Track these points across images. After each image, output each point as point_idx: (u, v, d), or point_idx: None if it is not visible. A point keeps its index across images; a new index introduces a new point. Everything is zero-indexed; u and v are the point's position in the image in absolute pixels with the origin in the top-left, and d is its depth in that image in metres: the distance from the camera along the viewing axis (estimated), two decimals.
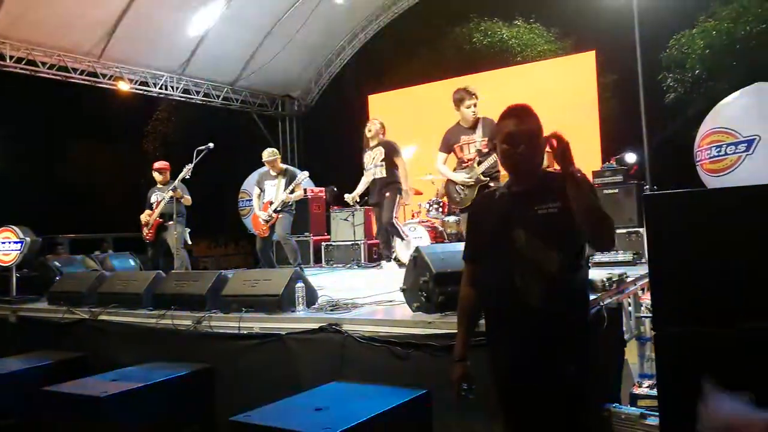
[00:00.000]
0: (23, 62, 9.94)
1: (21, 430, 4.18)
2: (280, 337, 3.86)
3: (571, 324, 2.31)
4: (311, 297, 4.29)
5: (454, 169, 5.57)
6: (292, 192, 6.91)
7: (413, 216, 9.04)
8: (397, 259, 6.93)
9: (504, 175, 4.76)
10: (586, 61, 11.19)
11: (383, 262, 6.80)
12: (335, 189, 11.21)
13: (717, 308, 2.42)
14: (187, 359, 4.21)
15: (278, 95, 14.45)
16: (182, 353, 4.29)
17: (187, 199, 7.24)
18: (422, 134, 11.35)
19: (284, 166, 7.32)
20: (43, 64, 10.15)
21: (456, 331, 2.62)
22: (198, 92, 12.63)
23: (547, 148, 2.37)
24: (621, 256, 6.28)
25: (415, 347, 3.33)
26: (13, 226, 6.49)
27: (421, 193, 8.98)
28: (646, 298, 4.56)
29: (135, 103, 16.35)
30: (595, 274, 3.87)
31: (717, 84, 12.06)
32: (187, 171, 6.74)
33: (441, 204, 8.54)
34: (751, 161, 8.12)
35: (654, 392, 3.39)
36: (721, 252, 2.41)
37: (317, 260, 9.92)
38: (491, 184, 5.27)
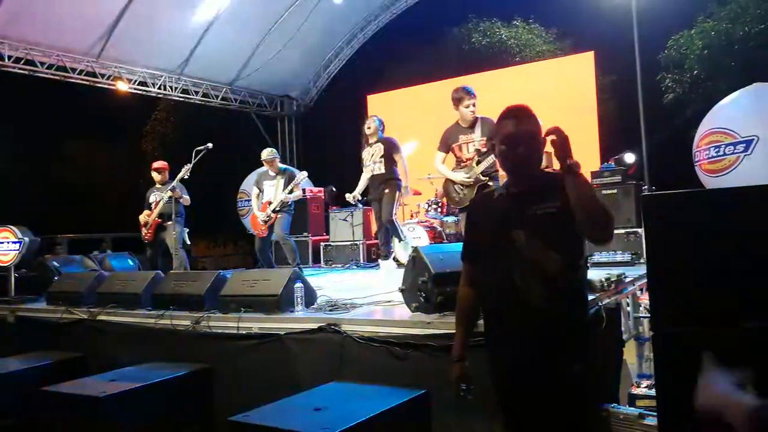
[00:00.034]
0: (22, 62, 9.93)
1: (19, 431, 4.18)
2: (279, 337, 3.87)
3: (570, 324, 2.31)
4: (310, 297, 4.30)
5: (453, 169, 5.57)
6: (290, 192, 6.91)
7: (412, 216, 9.05)
8: (395, 259, 6.93)
9: (503, 174, 4.77)
10: (585, 62, 11.21)
11: (381, 261, 6.78)
12: (334, 189, 11.22)
13: (715, 308, 2.42)
14: (185, 359, 4.21)
15: (277, 95, 14.45)
16: (181, 353, 4.29)
17: (186, 199, 7.24)
18: (421, 134, 11.38)
19: (283, 166, 7.31)
20: (42, 63, 10.14)
21: (454, 331, 2.62)
22: (197, 92, 12.63)
23: (546, 149, 2.39)
24: (619, 257, 6.29)
25: (414, 347, 3.34)
26: (11, 226, 6.49)
27: (420, 194, 8.99)
28: (645, 299, 4.56)
29: (134, 103, 16.30)
30: (594, 275, 3.87)
31: (715, 84, 12.06)
32: (185, 171, 6.74)
33: (440, 204, 8.54)
34: (750, 161, 8.14)
35: (652, 392, 3.40)
36: (720, 252, 2.41)
37: (316, 260, 9.92)
38: (490, 184, 5.27)
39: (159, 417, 3.76)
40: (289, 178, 6.99)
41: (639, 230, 6.56)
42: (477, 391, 2.49)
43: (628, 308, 4.40)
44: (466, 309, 2.55)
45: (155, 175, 7.57)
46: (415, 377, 3.22)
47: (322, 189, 10.94)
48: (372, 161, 6.48)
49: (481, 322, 2.57)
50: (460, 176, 5.43)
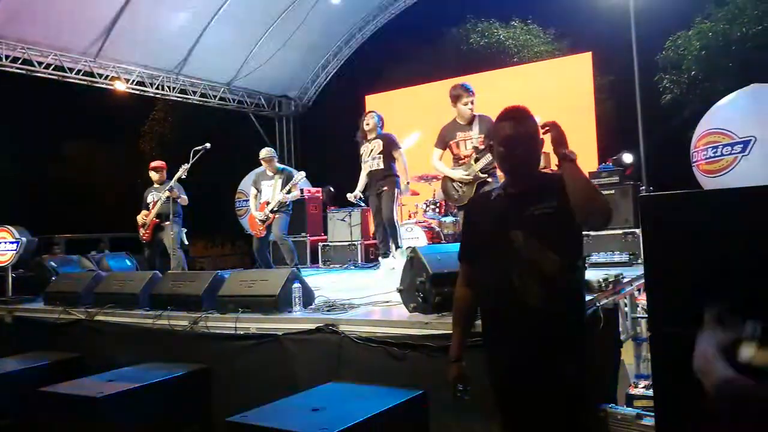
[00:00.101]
0: (19, 62, 9.91)
1: (17, 431, 4.17)
2: (277, 337, 3.87)
3: (568, 324, 2.32)
4: (308, 297, 4.30)
5: (451, 167, 5.56)
6: (288, 192, 6.91)
7: (410, 216, 9.05)
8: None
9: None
10: (583, 62, 11.22)
11: (380, 259, 6.72)
12: (332, 189, 11.22)
13: None
14: (183, 360, 4.21)
15: (275, 95, 14.44)
16: (179, 354, 4.29)
17: (184, 199, 7.24)
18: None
19: (281, 166, 7.31)
20: (40, 63, 10.12)
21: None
22: (194, 92, 12.61)
23: (544, 149, 2.40)
24: (617, 257, 6.31)
25: (412, 348, 3.34)
26: (8, 226, 6.48)
27: (418, 194, 8.99)
28: (642, 299, 4.57)
29: (131, 103, 16.30)
30: (592, 275, 3.88)
31: (713, 85, 12.08)
32: (183, 171, 6.73)
33: (438, 204, 8.54)
34: (747, 162, 8.15)
35: (650, 393, 3.40)
36: (718, 253, 2.41)
37: (314, 261, 9.91)
38: (489, 180, 5.27)
39: (157, 417, 3.75)
40: (287, 178, 6.98)
41: (637, 231, 6.57)
42: (475, 391, 2.49)
43: (626, 309, 4.40)
44: (464, 309, 2.56)
45: (153, 175, 7.56)
46: (412, 377, 3.23)
47: (320, 189, 10.94)
48: (370, 157, 6.43)
49: (478, 322, 2.57)
50: (458, 174, 5.42)
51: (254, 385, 3.86)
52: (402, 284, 3.83)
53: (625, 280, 4.44)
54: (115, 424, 3.49)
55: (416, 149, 9.84)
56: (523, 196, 2.34)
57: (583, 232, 2.59)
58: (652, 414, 2.83)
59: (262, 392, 3.45)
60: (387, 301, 4.34)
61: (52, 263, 6.59)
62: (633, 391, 3.77)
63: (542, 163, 2.46)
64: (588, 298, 3.40)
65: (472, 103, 5.43)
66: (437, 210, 8.52)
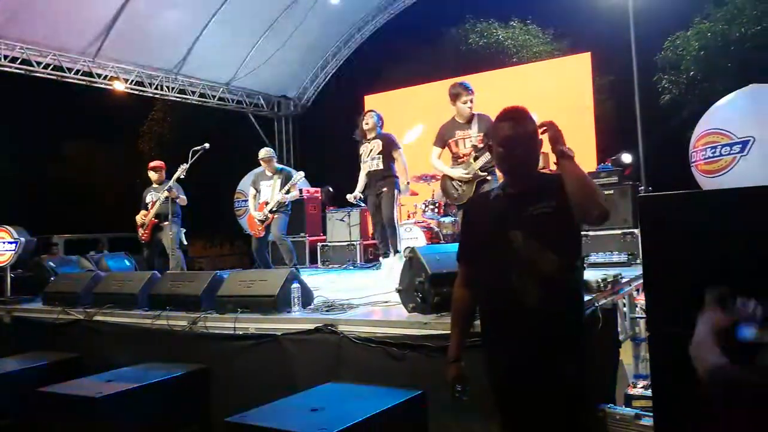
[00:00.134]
0: (18, 62, 9.90)
1: (16, 431, 4.17)
2: (276, 337, 3.87)
3: (567, 324, 2.32)
4: (307, 297, 4.30)
5: (450, 166, 5.55)
6: (287, 192, 6.90)
7: (409, 216, 9.04)
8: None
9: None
10: (582, 63, 11.21)
11: (381, 259, 6.68)
12: (331, 189, 11.22)
13: None
14: (182, 360, 4.21)
15: (274, 95, 14.43)
16: (178, 354, 4.29)
17: (183, 199, 7.23)
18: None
19: (280, 166, 7.31)
20: (38, 63, 10.11)
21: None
22: (193, 92, 12.60)
23: (543, 149, 2.40)
24: (616, 257, 6.31)
25: (411, 348, 3.34)
26: (7, 226, 6.48)
27: (417, 194, 8.99)
28: (641, 299, 4.57)
29: (130, 103, 16.30)
30: (590, 275, 3.88)
31: (712, 85, 12.10)
32: (182, 171, 6.73)
33: (437, 205, 8.54)
34: (746, 162, 8.15)
35: (648, 393, 3.40)
36: (716, 253, 2.42)
37: (313, 261, 9.91)
38: (489, 178, 5.26)
39: (156, 417, 3.75)
40: (286, 179, 6.98)
41: (635, 231, 6.57)
42: (473, 391, 2.49)
43: (625, 309, 4.40)
44: (462, 310, 2.56)
45: (152, 175, 7.56)
46: (411, 378, 3.23)
47: (319, 189, 10.94)
48: (369, 157, 6.40)
49: (477, 322, 2.57)
50: (458, 172, 5.41)
51: (253, 385, 3.86)
52: (401, 284, 3.83)
53: (624, 281, 4.44)
54: (113, 425, 3.49)
55: (418, 146, 9.81)
56: (522, 196, 2.34)
57: (582, 233, 2.59)
58: (651, 414, 2.83)
59: (261, 392, 3.45)
60: (386, 302, 4.34)
61: (51, 263, 6.59)
62: (632, 391, 3.78)
63: (541, 164, 2.46)
64: (587, 298, 3.40)
65: (471, 101, 5.42)
66: (436, 210, 8.52)
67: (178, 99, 12.64)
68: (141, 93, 12.00)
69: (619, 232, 6.67)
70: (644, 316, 4.21)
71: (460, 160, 5.46)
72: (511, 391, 2.37)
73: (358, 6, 13.05)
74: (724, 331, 1.48)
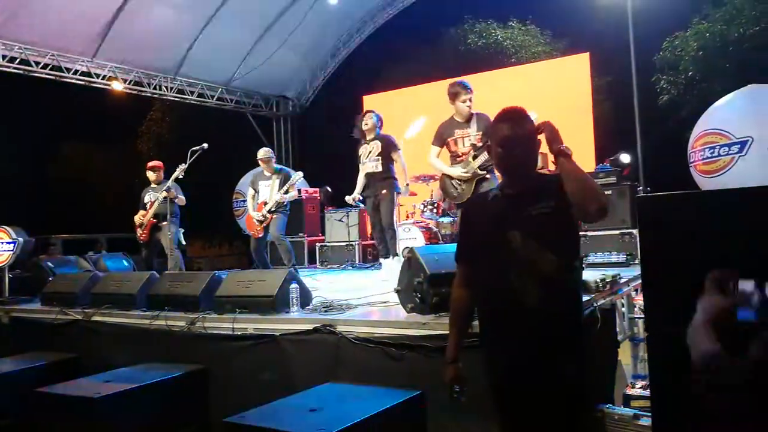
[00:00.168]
0: (16, 62, 9.90)
1: (15, 431, 4.16)
2: (274, 338, 3.86)
3: (567, 324, 2.32)
4: (305, 298, 4.29)
5: (449, 165, 5.55)
6: (286, 192, 6.90)
7: (408, 217, 9.05)
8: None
9: None
10: (580, 63, 11.23)
11: (381, 260, 6.67)
12: (329, 189, 11.21)
13: None
14: (181, 360, 4.20)
15: (273, 95, 14.43)
16: (176, 354, 4.29)
17: (181, 200, 7.23)
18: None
19: (278, 166, 7.30)
20: (37, 63, 10.11)
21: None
22: (192, 92, 12.60)
23: (541, 150, 2.41)
24: (614, 257, 6.31)
25: (410, 348, 3.34)
26: (5, 227, 6.47)
27: (416, 194, 9.00)
28: (640, 299, 4.57)
29: (129, 103, 16.30)
30: (589, 275, 3.88)
31: (710, 86, 12.11)
32: (180, 171, 6.72)
33: (435, 205, 8.54)
34: (744, 162, 8.16)
35: (647, 393, 3.40)
36: (715, 253, 2.41)
37: (311, 261, 9.91)
38: (488, 177, 5.26)
39: (154, 418, 3.75)
40: (285, 179, 6.98)
41: (634, 231, 6.57)
42: (472, 392, 2.49)
43: (623, 309, 4.40)
44: (460, 310, 2.56)
45: (150, 175, 7.55)
46: (410, 378, 3.22)
47: (317, 189, 10.93)
48: (369, 159, 6.39)
49: (475, 323, 2.57)
50: (457, 171, 5.41)
51: (252, 385, 3.85)
52: (400, 285, 3.83)
53: (623, 281, 4.44)
54: (112, 425, 3.48)
55: (419, 140, 9.78)
56: (520, 196, 2.34)
57: (581, 233, 2.59)
58: (649, 414, 2.83)
59: (260, 393, 3.45)
60: (385, 302, 4.34)
61: (49, 264, 6.58)
62: (630, 391, 3.77)
63: (539, 164, 2.46)
64: (585, 298, 3.40)
65: (470, 100, 5.42)
66: (435, 210, 8.52)
67: (176, 99, 12.64)
68: (139, 93, 12.00)
69: (617, 232, 6.67)
70: (643, 316, 4.21)
71: (459, 159, 5.46)
72: (510, 392, 2.37)
73: (357, 6, 13.06)
74: (725, 314, 1.48)
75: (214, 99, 13.08)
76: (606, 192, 7.02)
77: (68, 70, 10.56)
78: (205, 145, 6.51)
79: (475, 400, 2.54)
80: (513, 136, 2.32)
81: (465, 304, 2.54)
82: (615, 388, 3.70)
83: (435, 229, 8.41)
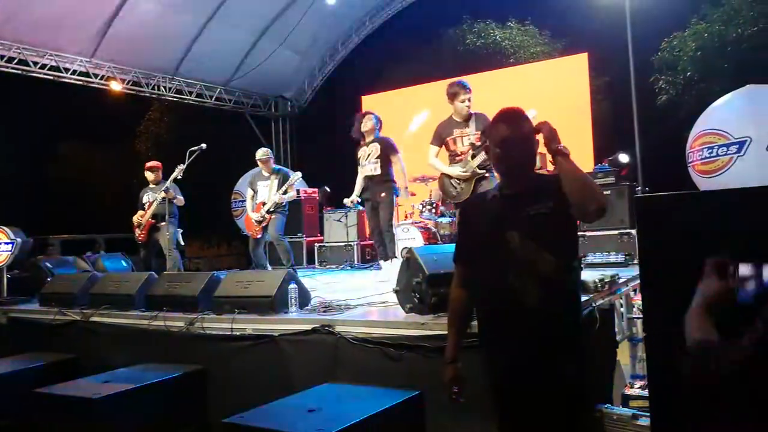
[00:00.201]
0: (14, 62, 9.90)
1: None
2: (273, 338, 3.86)
3: (566, 324, 2.32)
4: (304, 298, 4.29)
5: (448, 164, 5.56)
6: (284, 193, 6.90)
7: (406, 217, 9.04)
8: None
9: None
10: (579, 63, 11.24)
11: (381, 262, 6.67)
12: (328, 190, 11.21)
13: None
14: (179, 361, 4.20)
15: (271, 96, 14.44)
16: (175, 355, 4.28)
17: (180, 200, 7.22)
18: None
19: (277, 166, 7.30)
20: (35, 63, 10.10)
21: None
22: (191, 92, 12.60)
23: (539, 150, 2.41)
24: (613, 258, 6.31)
25: (408, 348, 3.33)
26: (3, 227, 6.47)
27: (414, 194, 8.99)
28: (638, 300, 4.57)
29: (127, 103, 16.28)
30: (588, 275, 3.89)
31: (708, 86, 12.11)
32: (179, 171, 6.72)
33: (434, 205, 8.55)
34: (743, 162, 8.17)
35: (645, 393, 3.40)
36: (713, 253, 2.41)
37: (310, 261, 9.91)
38: (487, 176, 5.27)
39: (153, 418, 3.75)
40: (283, 179, 6.98)
41: (632, 231, 6.58)
42: (471, 392, 2.49)
43: (622, 309, 4.41)
44: (459, 310, 2.56)
45: (148, 175, 7.54)
46: (409, 378, 3.22)
47: (316, 190, 10.93)
48: (368, 161, 6.39)
49: (474, 323, 2.57)
50: (455, 170, 5.42)
51: (250, 386, 3.85)
52: (398, 285, 3.83)
53: (621, 281, 4.44)
54: (111, 425, 3.48)
55: (420, 138, 9.73)
56: (519, 197, 2.35)
57: (579, 233, 2.60)
58: (648, 414, 2.83)
59: (259, 393, 3.44)
60: (383, 302, 4.34)
61: (48, 264, 6.57)
62: (629, 391, 3.78)
63: (538, 164, 2.47)
64: (584, 298, 3.41)
65: (469, 100, 5.43)
66: (433, 210, 8.52)
67: (175, 99, 12.64)
68: (138, 93, 12.00)
69: (616, 232, 6.68)
70: (641, 316, 4.21)
71: (457, 158, 5.47)
72: (509, 392, 2.37)
73: (356, 6, 13.06)
74: (723, 297, 1.48)
75: (213, 99, 13.08)
76: (605, 192, 7.02)
77: (66, 70, 10.55)
78: (204, 146, 6.51)
79: (474, 400, 2.54)
80: (511, 136, 2.33)
81: (463, 305, 2.54)
82: (613, 388, 3.70)
83: (434, 230, 8.40)
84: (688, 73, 12.75)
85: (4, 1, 9.04)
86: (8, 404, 4.18)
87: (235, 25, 11.61)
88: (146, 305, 4.79)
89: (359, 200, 6.63)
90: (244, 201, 8.18)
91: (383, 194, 6.27)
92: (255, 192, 7.14)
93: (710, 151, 8.55)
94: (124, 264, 7.59)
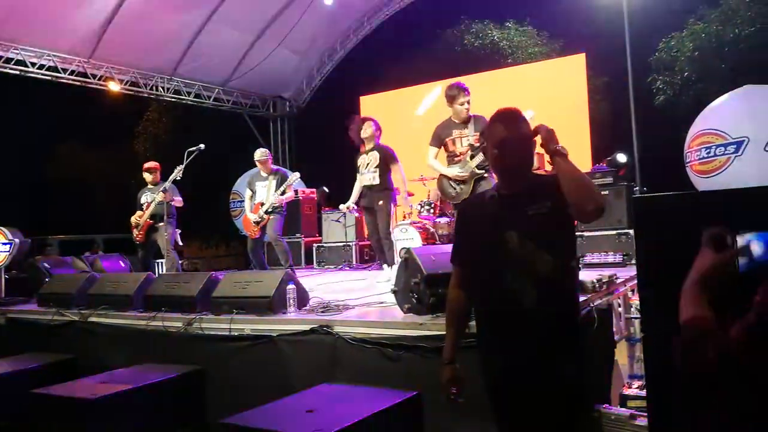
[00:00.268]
0: (12, 62, 9.88)
1: None
2: (271, 338, 3.86)
3: (564, 325, 2.32)
4: (302, 298, 4.29)
5: (446, 165, 5.57)
6: (283, 193, 6.90)
7: (405, 217, 9.04)
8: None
9: None
10: (577, 64, 11.24)
11: (384, 266, 6.63)
12: (326, 190, 11.21)
13: None
14: (177, 361, 4.20)
15: (270, 96, 14.42)
16: (173, 355, 4.28)
17: (178, 201, 7.22)
18: (414, 135, 11.41)
19: (275, 167, 7.30)
20: (33, 64, 10.09)
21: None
22: (189, 93, 12.58)
23: (537, 150, 2.41)
24: (611, 258, 6.32)
25: (407, 349, 3.34)
26: (1, 227, 6.46)
27: (413, 194, 8.99)
28: (636, 300, 4.58)
29: (125, 104, 16.28)
30: (586, 276, 3.90)
31: (706, 86, 12.14)
32: (177, 172, 6.72)
33: (432, 205, 8.54)
34: (740, 162, 8.19)
35: (643, 393, 3.41)
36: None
37: (308, 261, 9.91)
38: (486, 176, 5.27)
39: (151, 419, 3.74)
40: (282, 179, 6.98)
41: (630, 231, 6.58)
42: (469, 392, 2.49)
43: (620, 309, 4.41)
44: (457, 311, 2.56)
45: (147, 176, 7.54)
46: (407, 378, 3.23)
47: (314, 190, 10.92)
48: (367, 170, 6.40)
49: (472, 323, 2.57)
50: (454, 171, 5.43)
51: (249, 386, 3.85)
52: (396, 285, 3.83)
53: (619, 281, 4.45)
54: (109, 426, 3.48)
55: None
56: (517, 197, 2.35)
57: (577, 233, 2.60)
58: (646, 414, 2.84)
59: (257, 393, 3.45)
60: (381, 302, 4.35)
61: (46, 264, 6.56)
62: (626, 391, 3.79)
63: (536, 164, 2.47)
64: (582, 298, 3.41)
65: (468, 103, 5.44)
66: (432, 211, 8.52)
67: (173, 99, 12.63)
68: (136, 93, 11.99)
69: (614, 232, 6.68)
70: (639, 316, 4.22)
71: (456, 159, 5.48)
72: (507, 392, 2.37)
73: (354, 7, 13.05)
74: (720, 270, 1.46)
75: (211, 99, 13.06)
76: (603, 192, 7.02)
77: (64, 70, 10.53)
78: (202, 146, 6.51)
79: (472, 400, 2.54)
80: (508, 137, 2.33)
81: (461, 305, 2.54)
82: (611, 388, 3.71)
83: (432, 230, 8.40)
84: (686, 74, 12.78)
85: (2, 2, 9.03)
86: (6, 405, 4.18)
87: (234, 25, 11.60)
88: (144, 306, 4.79)
89: (355, 207, 6.66)
90: (243, 201, 8.18)
91: (381, 202, 6.28)
92: (253, 192, 7.14)
93: (708, 151, 8.57)
94: (122, 264, 7.59)
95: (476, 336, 2.52)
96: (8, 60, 9.81)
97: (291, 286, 4.17)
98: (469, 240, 2.51)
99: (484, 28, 16.51)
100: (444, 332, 2.66)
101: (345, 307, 4.18)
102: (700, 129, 8.84)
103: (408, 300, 3.67)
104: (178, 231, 7.39)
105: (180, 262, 7.54)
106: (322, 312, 4.03)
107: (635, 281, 4.44)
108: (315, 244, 9.89)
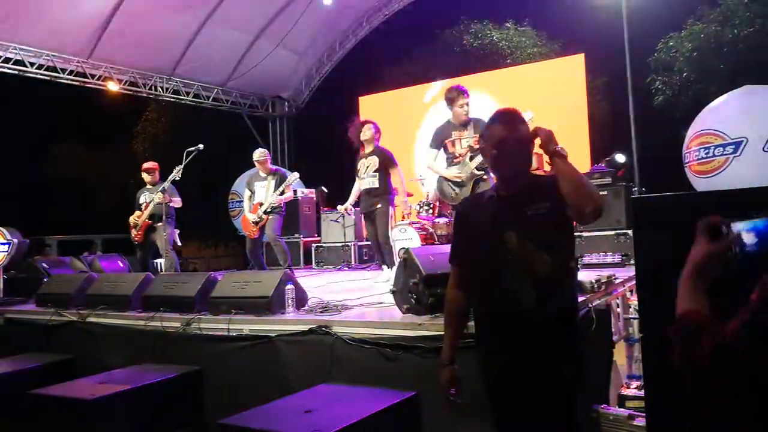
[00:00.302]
0: (11, 62, 9.87)
1: None
2: (270, 339, 3.86)
3: (562, 325, 2.33)
4: (301, 299, 4.29)
5: (445, 167, 5.58)
6: (282, 193, 6.90)
7: (404, 217, 9.04)
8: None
9: None
10: (576, 64, 11.25)
11: (385, 267, 6.63)
12: (325, 190, 11.21)
13: None
14: (176, 361, 4.19)
15: (269, 96, 14.42)
16: (171, 355, 4.28)
17: (177, 202, 7.22)
18: (413, 135, 11.42)
19: (274, 167, 7.30)
20: (32, 64, 10.08)
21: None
22: (188, 93, 12.58)
23: (535, 150, 2.41)
24: (609, 258, 6.33)
25: (405, 349, 3.33)
26: (0, 228, 6.45)
27: (411, 194, 8.99)
28: (634, 300, 4.58)
29: (124, 104, 16.27)
30: (584, 276, 3.90)
31: (705, 86, 12.15)
32: (176, 172, 6.72)
33: (431, 205, 8.55)
34: (739, 163, 8.20)
35: (642, 393, 3.41)
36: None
37: (307, 262, 9.90)
38: (485, 178, 5.28)
39: (149, 419, 3.74)
40: (281, 180, 6.98)
41: (629, 232, 6.58)
42: (467, 393, 2.49)
43: (618, 309, 4.41)
44: (455, 311, 2.56)
45: (145, 176, 7.54)
46: (405, 379, 3.22)
47: (313, 190, 10.92)
48: (366, 174, 6.39)
49: (471, 323, 2.57)
50: (452, 172, 5.44)
51: (247, 386, 3.85)
52: (395, 285, 3.83)
53: (618, 281, 4.45)
54: (107, 426, 3.48)
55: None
56: (515, 197, 2.35)
57: (576, 234, 2.60)
58: (644, 414, 2.84)
59: (255, 394, 3.44)
60: (380, 303, 4.34)
61: (44, 265, 6.56)
62: (625, 391, 3.79)
63: (534, 165, 2.46)
64: (581, 299, 3.41)
65: (467, 105, 5.46)
66: (431, 211, 8.53)
67: (172, 99, 12.62)
68: (135, 93, 11.98)
69: (612, 233, 6.69)
70: (637, 316, 4.22)
71: (455, 160, 5.49)
72: (505, 392, 2.37)
73: (353, 7, 13.06)
74: (716, 259, 1.44)
75: (210, 100, 13.06)
76: (601, 192, 7.02)
77: (63, 70, 10.53)
78: (201, 146, 6.51)
79: (471, 400, 2.54)
80: (507, 137, 2.33)
81: (460, 305, 2.54)
82: (610, 388, 3.71)
83: (431, 230, 8.40)
84: (685, 74, 12.79)
85: (1, 2, 9.02)
86: (5, 405, 4.17)
87: (233, 25, 11.60)
88: (143, 306, 4.78)
89: (352, 209, 6.68)
90: (242, 201, 8.18)
91: (380, 205, 6.27)
92: (252, 192, 7.14)
93: (707, 151, 8.58)
94: (120, 264, 7.59)
95: (475, 336, 2.52)
96: (7, 60, 9.80)
97: (290, 287, 4.17)
98: (468, 240, 2.51)
99: (484, 29, 16.53)
100: (442, 332, 2.66)
101: (344, 307, 4.17)
102: (698, 129, 8.85)
103: (407, 300, 3.67)
104: (177, 231, 7.39)
105: (179, 261, 7.53)
106: (321, 312, 4.02)
107: (634, 282, 4.45)
108: (314, 245, 9.89)
